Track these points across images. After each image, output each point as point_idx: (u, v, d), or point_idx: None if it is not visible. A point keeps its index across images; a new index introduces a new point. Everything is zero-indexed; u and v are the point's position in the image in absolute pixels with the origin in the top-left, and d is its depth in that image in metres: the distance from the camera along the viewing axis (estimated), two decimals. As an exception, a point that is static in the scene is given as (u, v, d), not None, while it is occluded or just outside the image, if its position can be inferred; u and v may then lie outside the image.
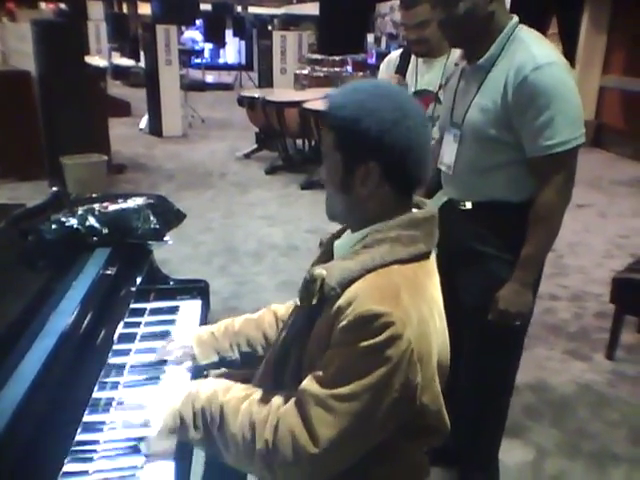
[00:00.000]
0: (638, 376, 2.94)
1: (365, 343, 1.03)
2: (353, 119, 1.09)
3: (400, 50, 2.44)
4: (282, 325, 1.44)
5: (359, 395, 1.04)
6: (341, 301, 1.08)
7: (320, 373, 1.08)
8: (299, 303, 1.17)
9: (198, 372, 1.52)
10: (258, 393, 1.19)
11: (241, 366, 1.51)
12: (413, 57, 2.34)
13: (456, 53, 2.06)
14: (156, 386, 1.42)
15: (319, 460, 1.06)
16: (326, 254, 1.31)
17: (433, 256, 1.23)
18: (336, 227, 1.30)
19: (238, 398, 1.18)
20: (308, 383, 1.09)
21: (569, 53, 7.83)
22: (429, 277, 1.18)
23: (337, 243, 1.27)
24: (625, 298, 3.01)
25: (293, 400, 1.11)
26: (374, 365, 1.04)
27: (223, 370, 1.54)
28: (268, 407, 1.13)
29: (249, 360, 1.50)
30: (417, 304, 1.09)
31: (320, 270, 1.12)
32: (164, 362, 1.51)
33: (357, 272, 1.09)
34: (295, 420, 1.08)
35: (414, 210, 1.20)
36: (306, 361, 1.16)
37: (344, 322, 1.06)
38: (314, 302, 1.12)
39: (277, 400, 1.14)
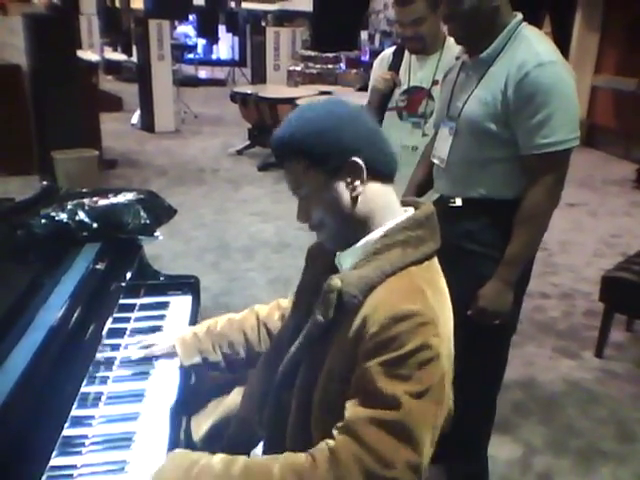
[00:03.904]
0: (626, 374, 2.96)
1: (404, 349, 0.99)
2: (315, 132, 1.09)
3: (394, 47, 2.44)
4: (278, 332, 1.39)
5: (415, 402, 0.99)
6: (366, 309, 1.04)
7: (364, 392, 1.01)
8: (320, 318, 1.09)
9: (185, 373, 1.50)
10: (281, 458, 1.05)
11: (226, 369, 1.48)
12: (406, 54, 2.34)
13: (450, 50, 2.07)
14: (145, 381, 1.42)
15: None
16: (323, 264, 1.26)
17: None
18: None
19: (262, 464, 1.05)
20: (354, 411, 1.01)
21: (562, 52, 7.84)
22: (440, 275, 1.17)
23: (342, 254, 1.20)
24: (614, 296, 3.03)
25: (343, 431, 1.01)
26: (419, 369, 0.99)
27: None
28: (308, 454, 1.03)
29: (233, 363, 1.47)
30: (440, 303, 1.08)
31: (336, 280, 1.07)
32: (151, 358, 1.50)
33: (377, 277, 1.06)
34: (355, 447, 0.98)
35: (412, 210, 1.18)
36: (322, 378, 1.09)
37: (374, 328, 1.00)
38: (332, 314, 1.07)
39: (320, 446, 1.03)
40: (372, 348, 1.01)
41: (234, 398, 1.43)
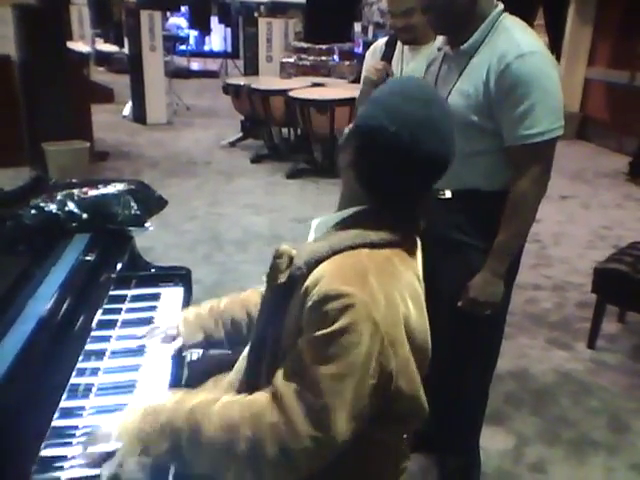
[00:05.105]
0: (618, 365, 2.98)
1: (330, 328, 1.01)
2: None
3: (386, 38, 2.43)
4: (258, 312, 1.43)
5: (334, 384, 1.00)
6: (308, 281, 1.07)
7: (294, 364, 1.05)
8: (270, 283, 1.15)
9: (181, 357, 1.51)
10: (228, 396, 1.13)
11: (228, 346, 1.51)
12: (399, 44, 2.32)
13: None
14: (136, 372, 1.41)
15: (306, 455, 1.02)
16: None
17: (418, 244, 1.22)
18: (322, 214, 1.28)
19: (207, 401, 1.11)
20: (281, 379, 1.06)
21: (555, 45, 7.85)
22: (405, 263, 1.15)
23: (316, 222, 1.23)
24: (606, 288, 3.04)
25: (269, 394, 1.06)
26: (341, 351, 1.01)
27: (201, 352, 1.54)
28: (242, 406, 1.08)
29: (234, 341, 1.49)
30: (386, 289, 1.06)
31: (287, 247, 1.12)
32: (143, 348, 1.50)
33: (324, 253, 1.09)
34: (275, 416, 1.03)
35: None
36: (281, 348, 1.13)
37: (310, 302, 1.04)
38: (281, 280, 1.11)
39: (251, 398, 1.09)
40: (307, 321, 1.05)
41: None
